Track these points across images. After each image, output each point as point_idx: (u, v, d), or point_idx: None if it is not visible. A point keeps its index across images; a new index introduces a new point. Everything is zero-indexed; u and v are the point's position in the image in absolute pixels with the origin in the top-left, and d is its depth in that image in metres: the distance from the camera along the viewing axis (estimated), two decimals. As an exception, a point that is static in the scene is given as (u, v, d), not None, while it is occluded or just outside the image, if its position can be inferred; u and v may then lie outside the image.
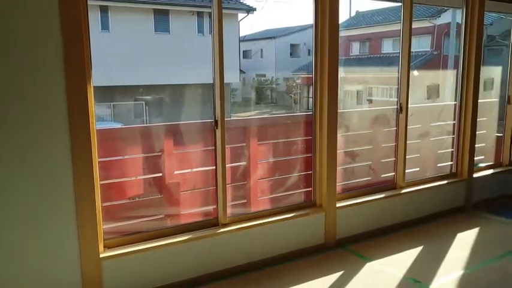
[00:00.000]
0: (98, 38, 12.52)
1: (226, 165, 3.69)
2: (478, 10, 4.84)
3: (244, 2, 14.05)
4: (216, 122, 3.54)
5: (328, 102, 3.94)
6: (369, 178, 4.72)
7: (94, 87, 3.06)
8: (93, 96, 3.00)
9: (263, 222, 3.81)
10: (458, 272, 3.69)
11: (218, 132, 3.54)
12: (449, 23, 14.08)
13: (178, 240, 3.40)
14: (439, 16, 14.96)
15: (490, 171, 5.47)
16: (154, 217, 3.66)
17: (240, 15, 14.27)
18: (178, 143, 3.80)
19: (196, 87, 12.72)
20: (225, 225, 3.65)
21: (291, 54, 23.95)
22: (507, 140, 5.59)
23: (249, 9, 13.54)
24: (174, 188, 3.73)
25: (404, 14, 4.45)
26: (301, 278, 3.60)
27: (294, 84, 22.32)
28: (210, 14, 3.51)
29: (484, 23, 5.04)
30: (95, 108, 3.04)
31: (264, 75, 23.89)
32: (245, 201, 4.09)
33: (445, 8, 12.09)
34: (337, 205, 4.17)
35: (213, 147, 3.62)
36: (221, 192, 3.61)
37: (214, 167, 3.65)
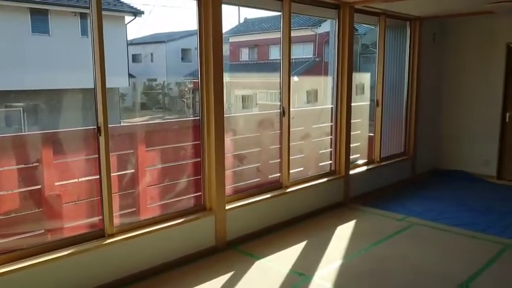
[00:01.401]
0: (-37, 38, 11.23)
1: (112, 174, 3.58)
2: (349, 21, 5.33)
3: (132, 5, 13.64)
4: (98, 128, 3.41)
5: (215, 107, 4.03)
6: (258, 179, 4.92)
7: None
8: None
9: (153, 230, 3.76)
10: (338, 262, 4.02)
11: (101, 139, 3.42)
12: (328, 32, 15.22)
13: (60, 255, 3.21)
14: (320, 25, 16.06)
15: (364, 167, 6.04)
16: (34, 233, 3.40)
17: (127, 18, 13.84)
18: (59, 152, 3.59)
19: (79, 92, 12.02)
20: (111, 235, 3.53)
21: (182, 58, 23.79)
22: (377, 139, 6.21)
23: (136, 12, 13.18)
24: (55, 200, 3.51)
25: (283, 23, 4.73)
26: (193, 282, 3.62)
27: (187, 89, 22.20)
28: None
29: (359, 33, 5.55)
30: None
31: (156, 80, 23.39)
32: (134, 209, 4.00)
33: (325, 18, 13.00)
34: (227, 207, 4.27)
35: (97, 156, 3.48)
36: (106, 202, 3.49)
37: (98, 176, 3.51)
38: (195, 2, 3.95)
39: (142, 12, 13.64)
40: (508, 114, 6.70)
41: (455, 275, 3.76)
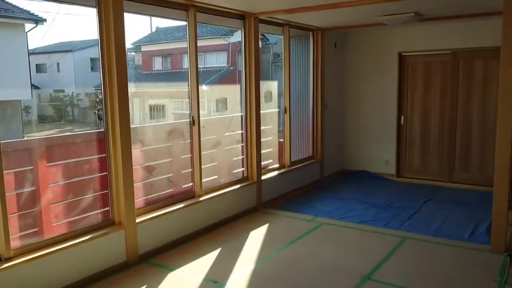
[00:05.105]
0: None
1: (8, 193, 3.35)
2: (254, 31, 5.51)
3: (32, 12, 12.79)
4: (-12, 145, 3.18)
5: (120, 118, 3.93)
6: (171, 190, 4.86)
7: None
8: None
9: (58, 249, 3.57)
10: (251, 267, 4.10)
11: (-7, 156, 3.19)
12: (240, 41, 15.49)
13: None
14: (232, 35, 16.26)
15: (276, 172, 6.23)
16: None
17: (28, 26, 12.96)
18: None
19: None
20: (8, 259, 3.29)
21: (92, 68, 22.79)
22: (287, 144, 6.45)
23: (38, 20, 12.39)
24: None
25: (189, 32, 4.75)
26: (102, 300, 3.51)
27: (98, 100, 21.30)
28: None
29: (270, 43, 5.72)
30: None
31: (63, 91, 22.15)
32: (36, 229, 3.77)
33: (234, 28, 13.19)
34: (138, 220, 4.18)
35: (-12, 174, 3.24)
36: (1, 224, 3.25)
37: (-9, 196, 3.26)
38: (95, 10, 3.84)
39: (45, 20, 12.85)
40: (402, 116, 7.31)
41: (359, 268, 4.02)
